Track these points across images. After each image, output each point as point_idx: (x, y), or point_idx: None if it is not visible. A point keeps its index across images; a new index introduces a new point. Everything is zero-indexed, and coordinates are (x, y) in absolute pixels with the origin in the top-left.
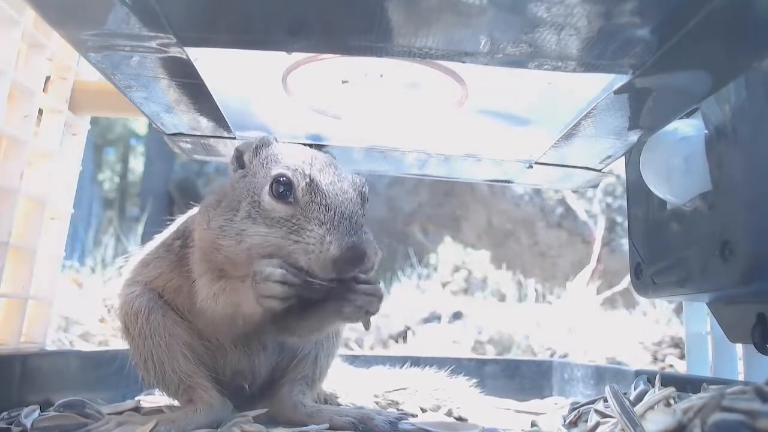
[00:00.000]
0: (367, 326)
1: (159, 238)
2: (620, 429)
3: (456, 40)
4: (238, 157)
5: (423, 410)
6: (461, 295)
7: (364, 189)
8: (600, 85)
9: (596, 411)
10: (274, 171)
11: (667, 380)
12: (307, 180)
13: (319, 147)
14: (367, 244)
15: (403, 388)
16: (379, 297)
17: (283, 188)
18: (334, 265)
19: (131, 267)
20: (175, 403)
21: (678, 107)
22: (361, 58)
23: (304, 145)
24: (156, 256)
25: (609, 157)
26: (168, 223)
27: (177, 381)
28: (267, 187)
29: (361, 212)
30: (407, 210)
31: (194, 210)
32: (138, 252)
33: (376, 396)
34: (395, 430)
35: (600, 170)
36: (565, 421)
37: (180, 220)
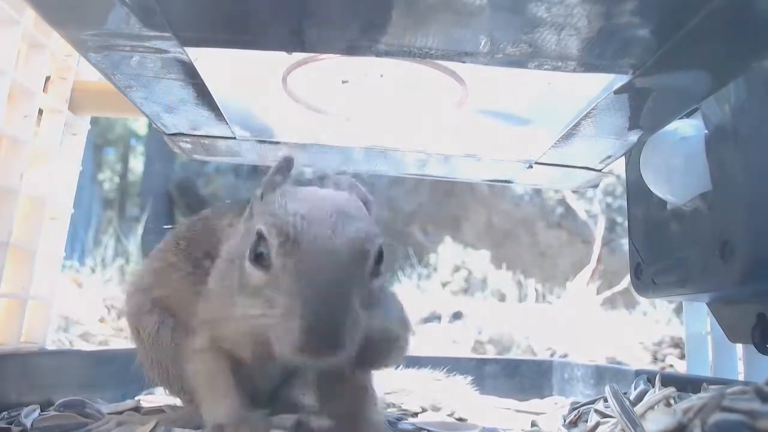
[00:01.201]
0: None
1: (176, 240)
2: (620, 429)
3: (456, 40)
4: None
5: (423, 410)
6: (461, 295)
7: (365, 246)
8: (600, 85)
9: (596, 411)
10: (256, 226)
11: (668, 380)
12: (282, 238)
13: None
14: (351, 324)
15: (403, 388)
16: None
17: (260, 249)
18: (301, 352)
19: (143, 273)
20: (177, 401)
21: (678, 107)
22: (361, 58)
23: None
24: (168, 264)
25: (609, 157)
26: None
27: (181, 381)
28: (247, 250)
29: (355, 278)
30: (407, 210)
31: (223, 209)
32: (155, 254)
33: None
34: (394, 430)
35: (600, 170)
36: (565, 421)
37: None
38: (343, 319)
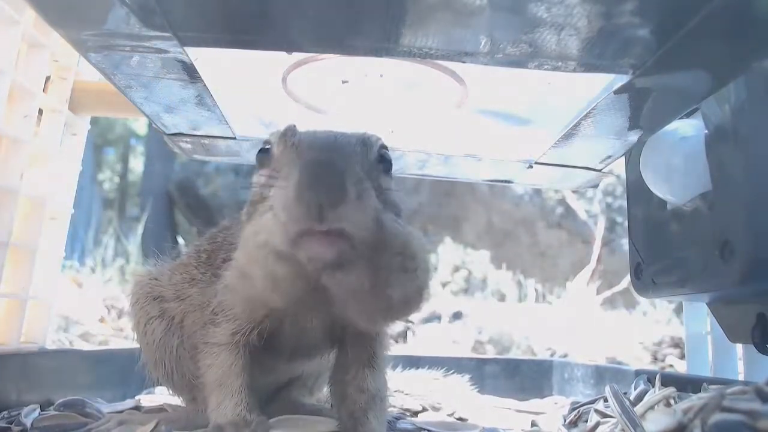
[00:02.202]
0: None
1: (197, 253)
2: (620, 429)
3: (456, 40)
4: (261, 159)
5: (423, 410)
6: (461, 295)
7: (368, 138)
8: (600, 85)
9: (596, 411)
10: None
11: (668, 380)
12: (281, 131)
13: None
14: (356, 183)
15: (403, 388)
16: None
17: (263, 152)
18: (300, 210)
19: (161, 283)
20: (177, 400)
21: (678, 107)
22: (361, 58)
23: None
24: (191, 279)
25: (609, 157)
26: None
27: (184, 381)
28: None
29: (358, 158)
30: (407, 210)
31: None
32: (177, 267)
33: None
34: (394, 430)
35: (600, 170)
36: (565, 421)
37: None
38: (344, 171)
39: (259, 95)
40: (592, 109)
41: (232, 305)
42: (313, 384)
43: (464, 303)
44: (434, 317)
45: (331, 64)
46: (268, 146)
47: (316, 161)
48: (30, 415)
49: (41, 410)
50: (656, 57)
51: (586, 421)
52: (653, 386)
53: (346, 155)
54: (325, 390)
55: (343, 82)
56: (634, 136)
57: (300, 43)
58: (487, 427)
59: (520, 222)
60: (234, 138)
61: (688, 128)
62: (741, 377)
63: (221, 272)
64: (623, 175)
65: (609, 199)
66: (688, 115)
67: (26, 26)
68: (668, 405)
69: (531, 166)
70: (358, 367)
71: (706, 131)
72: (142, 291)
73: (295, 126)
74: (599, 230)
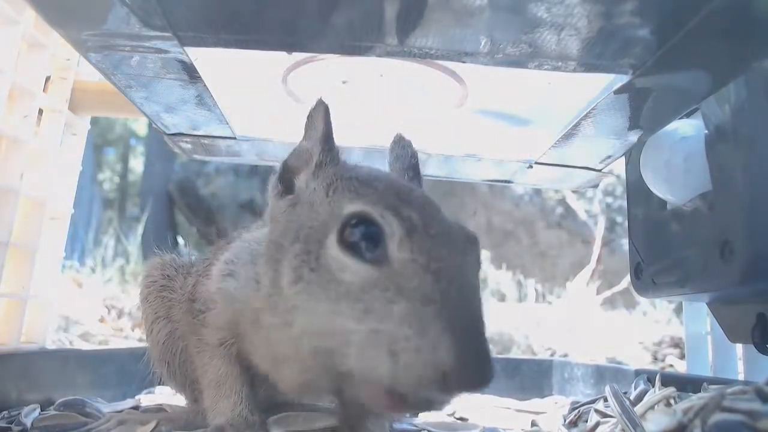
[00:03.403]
0: None
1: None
2: (620, 429)
3: (456, 40)
4: (285, 177)
5: None
6: None
7: (478, 245)
8: (600, 85)
9: (596, 410)
10: (347, 208)
11: (668, 380)
12: (408, 226)
13: None
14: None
15: None
16: None
17: (364, 237)
18: (444, 381)
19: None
20: (177, 399)
21: (678, 107)
22: (361, 58)
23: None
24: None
25: (609, 157)
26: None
27: (186, 382)
28: (335, 236)
29: (479, 284)
30: None
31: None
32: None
33: None
34: (394, 430)
35: (600, 170)
36: (565, 421)
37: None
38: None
39: (259, 95)
40: (592, 109)
41: (217, 316)
42: None
43: None
44: None
45: (331, 64)
46: (368, 215)
47: (473, 330)
48: (30, 414)
49: (41, 410)
50: (656, 57)
51: (586, 421)
52: (653, 386)
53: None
54: None
55: (343, 82)
56: (634, 136)
57: (300, 43)
58: (488, 426)
59: (520, 222)
60: (234, 138)
61: (688, 128)
62: (741, 377)
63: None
64: (623, 175)
65: (609, 199)
66: (688, 115)
67: (26, 26)
68: (668, 405)
69: (531, 166)
70: None
71: (706, 131)
72: (153, 288)
73: (419, 221)
74: (599, 230)
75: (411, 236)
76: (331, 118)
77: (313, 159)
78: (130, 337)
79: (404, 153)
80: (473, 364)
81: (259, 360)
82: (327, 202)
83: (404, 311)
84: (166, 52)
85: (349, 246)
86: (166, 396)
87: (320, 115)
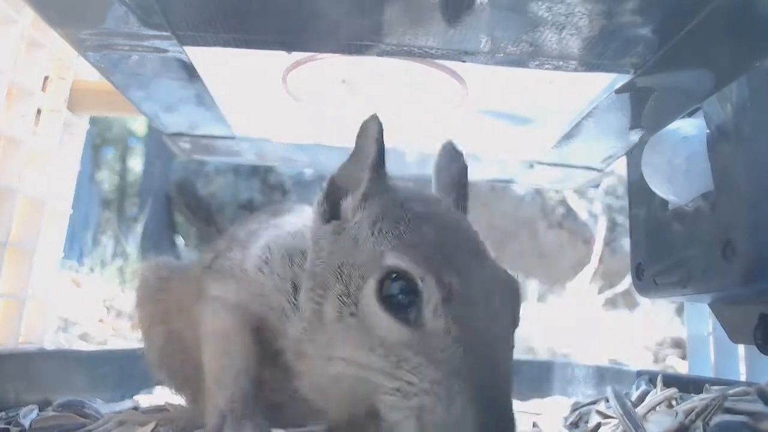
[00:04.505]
0: None
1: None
2: (622, 430)
3: (456, 39)
4: (331, 200)
5: None
6: None
7: (519, 304)
8: (601, 84)
9: (597, 411)
10: (389, 259)
11: (669, 381)
12: (445, 294)
13: None
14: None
15: None
16: None
17: (401, 295)
18: None
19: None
20: (176, 400)
21: (680, 106)
22: (361, 58)
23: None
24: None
25: (610, 156)
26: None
27: (185, 382)
28: (374, 285)
29: (512, 353)
30: None
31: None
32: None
33: None
34: None
35: (601, 170)
36: (566, 422)
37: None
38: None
39: (258, 95)
40: (593, 109)
41: (240, 287)
42: None
43: None
44: None
45: (331, 63)
46: (408, 275)
47: (499, 414)
48: (28, 415)
49: (40, 411)
50: (658, 56)
51: (587, 422)
52: (655, 387)
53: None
54: None
55: (343, 81)
56: (635, 136)
57: (300, 42)
58: None
59: (521, 222)
60: (233, 138)
61: (689, 128)
62: (743, 378)
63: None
64: (624, 175)
65: (610, 199)
66: (690, 115)
67: (25, 25)
68: (670, 406)
69: (532, 166)
70: None
71: (708, 131)
72: (148, 291)
73: (459, 287)
74: (600, 230)
75: (447, 305)
76: (384, 137)
77: (360, 187)
78: (129, 337)
79: (453, 167)
80: None
81: (307, 390)
82: (371, 242)
83: (433, 378)
84: (165, 51)
85: (386, 299)
86: (166, 396)
87: (372, 134)
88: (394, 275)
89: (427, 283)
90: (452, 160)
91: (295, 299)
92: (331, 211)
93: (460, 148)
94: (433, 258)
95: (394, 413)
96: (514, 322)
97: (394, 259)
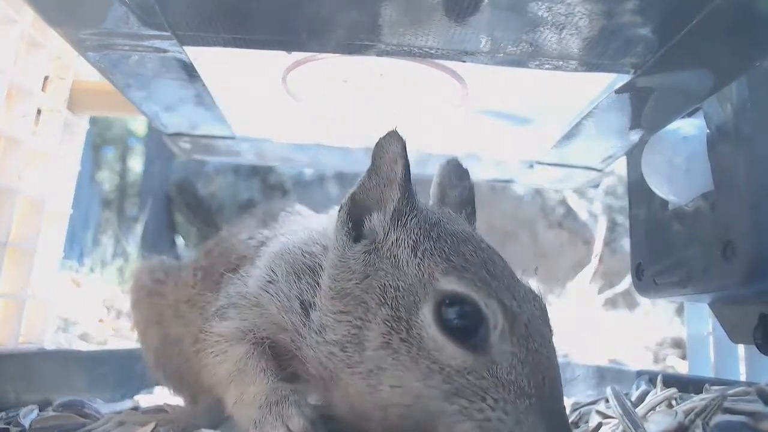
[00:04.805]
0: None
1: (194, 271)
2: (622, 430)
3: (456, 39)
4: (354, 217)
5: None
6: None
7: (547, 310)
8: (601, 84)
9: (597, 411)
10: (447, 284)
11: (669, 381)
12: (511, 318)
13: None
14: None
15: None
16: None
17: (460, 320)
18: None
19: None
20: (176, 400)
21: (680, 106)
22: (361, 58)
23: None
24: (187, 299)
25: (610, 156)
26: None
27: (183, 383)
28: (431, 310)
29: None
30: None
31: (238, 225)
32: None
33: None
34: None
35: (601, 170)
36: None
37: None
38: None
39: (258, 95)
40: (593, 109)
41: (246, 311)
42: None
43: None
44: None
45: (331, 63)
46: (472, 300)
47: (561, 427)
48: (28, 415)
49: (40, 411)
50: (658, 56)
51: (588, 422)
52: (655, 387)
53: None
54: None
55: (344, 81)
56: (635, 136)
57: (300, 42)
58: None
59: (521, 222)
60: (233, 138)
61: (689, 128)
62: (743, 378)
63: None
64: (624, 174)
65: (610, 199)
66: (690, 115)
67: (25, 25)
68: (670, 406)
69: (532, 166)
70: None
71: (708, 131)
72: (143, 293)
73: (518, 310)
74: (600, 230)
75: (513, 329)
76: (408, 154)
77: (389, 204)
78: (129, 337)
79: (461, 185)
80: None
81: (341, 409)
82: (416, 265)
83: (500, 399)
84: (165, 51)
85: (445, 325)
86: (165, 397)
87: (396, 151)
88: (449, 300)
89: (491, 308)
90: (460, 179)
91: (306, 319)
92: (355, 229)
93: (465, 166)
94: (489, 281)
95: (456, 430)
96: (552, 335)
97: (450, 284)
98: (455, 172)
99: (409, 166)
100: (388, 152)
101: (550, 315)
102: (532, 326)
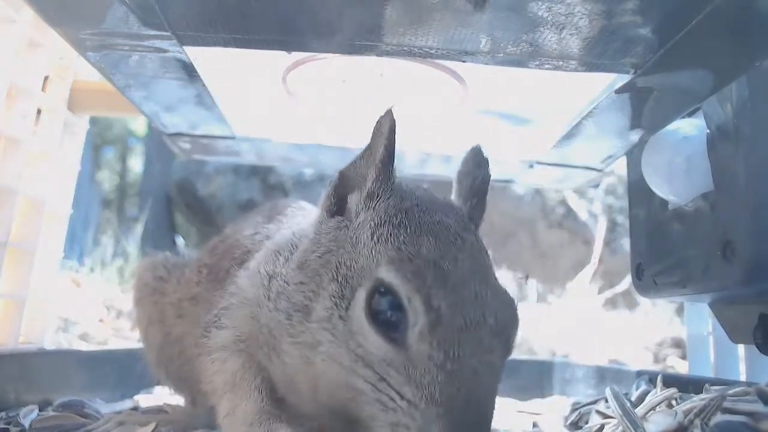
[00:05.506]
0: None
1: (199, 269)
2: (621, 430)
3: (456, 39)
4: (338, 193)
5: None
6: None
7: (514, 329)
8: (601, 84)
9: (597, 412)
10: (382, 272)
11: (669, 381)
12: (432, 319)
13: None
14: None
15: None
16: None
17: (388, 313)
18: None
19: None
20: (176, 399)
21: (679, 106)
22: (361, 58)
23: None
24: (191, 297)
25: (610, 156)
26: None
27: (183, 384)
28: (364, 296)
29: (497, 383)
30: None
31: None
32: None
33: None
34: None
35: (601, 170)
36: (566, 422)
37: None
38: None
39: (258, 95)
40: (593, 109)
41: (236, 314)
42: None
43: None
44: None
45: (331, 63)
46: (396, 292)
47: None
48: (28, 415)
49: (40, 411)
50: (658, 56)
51: (587, 422)
52: (655, 387)
53: (493, 406)
54: None
55: (343, 81)
56: (635, 136)
57: (300, 42)
58: None
59: (521, 222)
60: (233, 138)
61: (689, 128)
62: (743, 378)
63: (226, 284)
64: (624, 174)
65: (610, 199)
66: (690, 115)
67: (25, 25)
68: (670, 406)
69: (532, 166)
70: None
71: (708, 131)
72: (145, 291)
73: (447, 311)
74: (600, 230)
75: (433, 331)
76: (395, 135)
77: (366, 185)
78: (129, 337)
79: (477, 173)
80: None
81: (276, 380)
82: (369, 247)
83: (411, 400)
84: (164, 51)
85: (374, 314)
86: (165, 397)
87: (384, 130)
88: (383, 289)
89: (414, 304)
90: (478, 167)
91: (268, 291)
92: (337, 206)
93: (486, 154)
94: (427, 276)
95: (375, 423)
96: (507, 348)
97: (385, 272)
98: (474, 159)
99: (392, 148)
100: (378, 132)
101: (512, 329)
102: (467, 333)
